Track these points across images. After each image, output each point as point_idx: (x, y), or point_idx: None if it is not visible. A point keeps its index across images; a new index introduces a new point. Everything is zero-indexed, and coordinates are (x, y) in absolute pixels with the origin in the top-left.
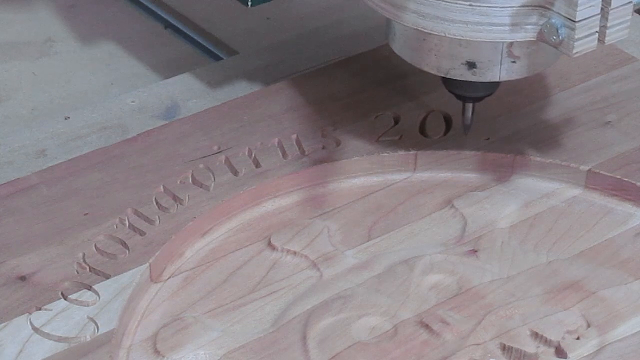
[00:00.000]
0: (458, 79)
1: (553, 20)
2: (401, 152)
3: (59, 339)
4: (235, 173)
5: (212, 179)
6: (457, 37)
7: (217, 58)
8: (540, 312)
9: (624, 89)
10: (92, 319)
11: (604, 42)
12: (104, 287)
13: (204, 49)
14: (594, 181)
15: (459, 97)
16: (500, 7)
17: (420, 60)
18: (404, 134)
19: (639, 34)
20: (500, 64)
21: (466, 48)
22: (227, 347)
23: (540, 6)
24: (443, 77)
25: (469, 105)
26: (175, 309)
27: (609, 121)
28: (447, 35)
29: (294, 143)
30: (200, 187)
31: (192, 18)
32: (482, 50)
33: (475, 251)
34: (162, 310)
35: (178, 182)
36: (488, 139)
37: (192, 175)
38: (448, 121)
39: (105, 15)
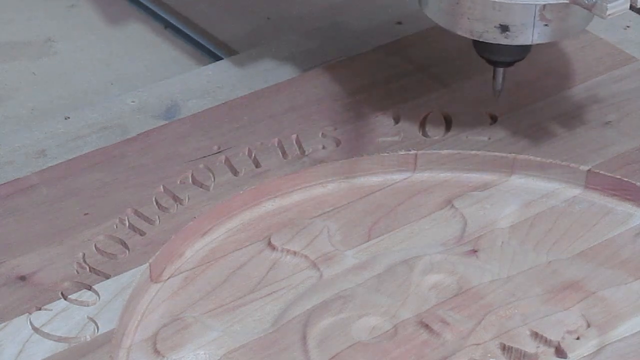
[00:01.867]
0: (491, 42)
1: None
2: (401, 152)
3: (59, 339)
4: (235, 173)
5: (212, 179)
6: (493, 0)
7: (217, 58)
8: (540, 312)
9: (624, 89)
10: (92, 319)
11: (637, 5)
12: (104, 287)
13: (204, 49)
14: (594, 181)
15: (490, 61)
16: None
17: (453, 24)
18: (404, 134)
19: (639, 34)
20: (533, 27)
21: (499, 11)
22: (227, 347)
23: None
24: (474, 41)
25: (500, 70)
26: (175, 309)
27: (609, 121)
28: None
29: (294, 143)
30: (200, 187)
31: (192, 18)
32: (515, 13)
33: (475, 251)
34: (162, 310)
35: (178, 182)
36: (488, 139)
37: (192, 175)
38: (448, 121)
39: (105, 15)
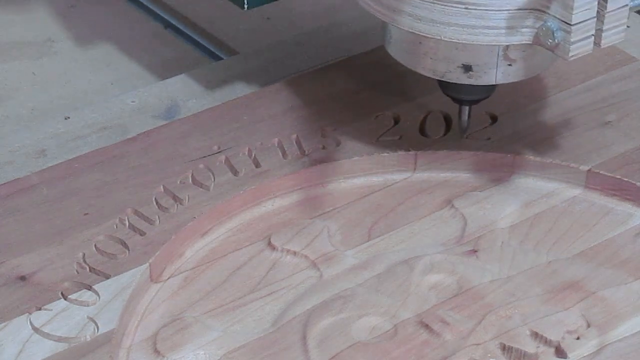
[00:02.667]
0: (454, 82)
1: (549, 24)
2: (401, 152)
3: (59, 339)
4: (235, 173)
5: (212, 179)
6: (453, 40)
7: (217, 58)
8: (540, 312)
9: (624, 89)
10: (92, 319)
11: (600, 45)
12: (104, 287)
13: (204, 49)
14: (594, 181)
15: (455, 100)
16: (496, 10)
17: (416, 64)
18: (404, 134)
19: (639, 34)
20: (497, 67)
21: (462, 51)
22: (227, 347)
23: (536, 9)
24: (439, 80)
25: (465, 108)
26: (175, 309)
27: (609, 121)
28: (442, 38)
29: (294, 143)
30: (200, 187)
31: (192, 18)
32: (478, 53)
33: (475, 251)
34: (162, 310)
35: (178, 182)
36: (488, 139)
37: (192, 175)
38: (448, 121)
39: (105, 15)
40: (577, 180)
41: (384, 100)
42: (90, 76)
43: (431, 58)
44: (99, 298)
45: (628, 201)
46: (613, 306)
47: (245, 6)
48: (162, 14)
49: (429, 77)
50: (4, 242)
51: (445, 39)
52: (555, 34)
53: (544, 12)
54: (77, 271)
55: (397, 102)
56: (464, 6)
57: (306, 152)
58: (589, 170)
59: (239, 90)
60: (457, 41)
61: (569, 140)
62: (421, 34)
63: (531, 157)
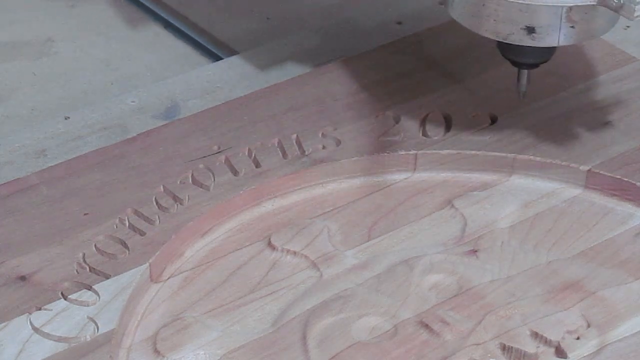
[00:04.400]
0: (517, 44)
1: None
2: (401, 152)
3: (59, 339)
4: (235, 173)
5: (212, 179)
6: (519, 2)
7: (217, 58)
8: (540, 312)
9: (624, 89)
10: (92, 319)
11: None
12: (104, 287)
13: (204, 49)
14: (594, 181)
15: (515, 63)
16: None
17: (479, 26)
18: (404, 134)
19: (638, 34)
20: (560, 29)
21: (526, 13)
22: (227, 347)
23: None
24: (499, 43)
25: (525, 72)
26: (175, 309)
27: (609, 121)
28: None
29: (294, 143)
30: (200, 187)
31: (192, 18)
32: (541, 15)
33: (475, 251)
34: (162, 310)
35: (178, 182)
36: (488, 139)
37: (192, 175)
38: (448, 121)
39: (105, 15)
40: (577, 180)
41: (384, 100)
42: (90, 76)
43: (494, 20)
44: (99, 298)
45: (628, 201)
46: (613, 306)
47: None
48: (162, 14)
49: (429, 77)
50: (4, 242)
51: (511, 1)
52: None
53: None
54: (77, 271)
55: (397, 102)
56: None
57: (306, 152)
58: (589, 170)
59: (239, 90)
60: (523, 2)
61: (569, 140)
62: None
63: (531, 157)
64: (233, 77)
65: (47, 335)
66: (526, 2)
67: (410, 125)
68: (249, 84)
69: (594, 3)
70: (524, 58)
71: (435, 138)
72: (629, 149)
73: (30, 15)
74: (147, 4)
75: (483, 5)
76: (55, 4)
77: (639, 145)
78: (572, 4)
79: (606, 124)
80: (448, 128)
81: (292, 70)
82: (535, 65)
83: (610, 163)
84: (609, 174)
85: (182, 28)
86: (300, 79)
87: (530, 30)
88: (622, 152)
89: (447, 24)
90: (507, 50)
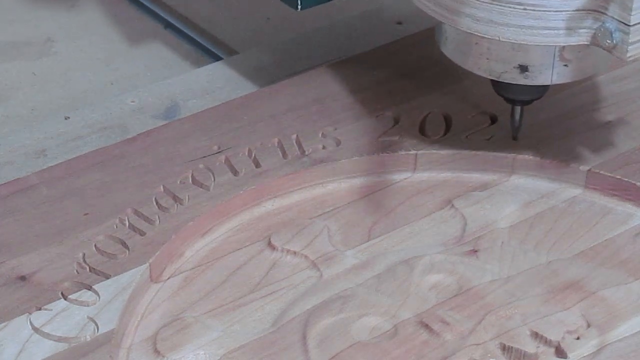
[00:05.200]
0: (510, 82)
1: (607, 25)
2: (401, 152)
3: (59, 339)
4: (235, 173)
5: (212, 179)
6: (511, 41)
7: (217, 58)
8: (540, 312)
9: (624, 89)
10: (92, 319)
11: None
12: (104, 287)
13: (204, 49)
14: (594, 181)
15: (508, 100)
16: (555, 11)
17: (472, 64)
18: (404, 134)
19: None
20: (553, 68)
21: (519, 52)
22: (227, 347)
23: (594, 10)
24: (493, 81)
25: (518, 109)
26: (175, 309)
27: (609, 121)
28: (500, 39)
29: (294, 143)
30: (200, 187)
31: (192, 18)
32: (534, 54)
33: (475, 251)
34: (162, 310)
35: (178, 182)
36: (488, 139)
37: (192, 175)
38: (448, 121)
39: (105, 15)
40: (577, 180)
41: (384, 100)
42: (90, 76)
43: (487, 58)
44: (99, 298)
45: (628, 201)
46: (613, 306)
47: (299, 7)
48: (162, 14)
49: (429, 77)
50: (4, 242)
51: (504, 40)
52: (613, 35)
53: (602, 13)
54: (77, 271)
55: (397, 102)
56: (522, 7)
57: (306, 152)
58: (589, 170)
59: (239, 90)
60: (516, 42)
61: (569, 140)
62: (480, 34)
63: (531, 157)
64: (233, 77)
65: (47, 335)
66: (519, 42)
67: (410, 125)
68: (249, 84)
69: (587, 43)
70: (517, 95)
71: (435, 138)
72: (629, 149)
73: (30, 15)
74: (147, 4)
75: (476, 43)
76: (55, 4)
77: (639, 145)
78: (564, 44)
79: (606, 124)
80: (448, 128)
81: (292, 70)
82: (529, 102)
83: (610, 163)
84: (609, 174)
85: (182, 28)
86: (300, 79)
87: (524, 68)
88: (622, 152)
89: None
90: (500, 87)
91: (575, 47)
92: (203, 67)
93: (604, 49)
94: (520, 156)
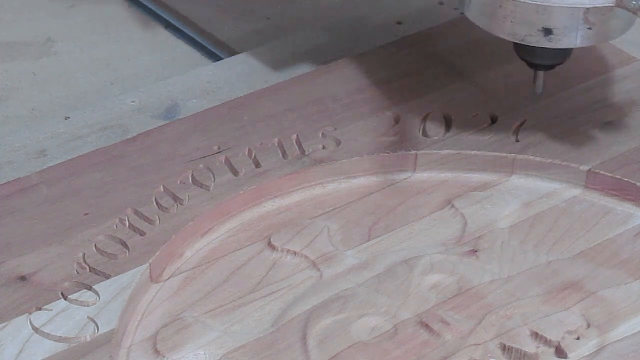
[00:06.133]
0: (534, 45)
1: None
2: (401, 152)
3: (59, 339)
4: (235, 173)
5: (212, 179)
6: (537, 3)
7: (217, 58)
8: (540, 312)
9: (624, 89)
10: (92, 319)
11: None
12: (104, 287)
13: (204, 49)
14: (594, 181)
15: (531, 64)
16: None
17: (495, 27)
18: (404, 134)
19: (639, 34)
20: (577, 31)
21: (543, 14)
22: (227, 347)
23: None
24: (516, 45)
25: (541, 73)
26: (175, 309)
27: (609, 121)
28: (526, 1)
29: (294, 143)
30: (200, 187)
31: (192, 18)
32: (559, 16)
33: (475, 251)
34: (162, 310)
35: (178, 182)
36: (488, 139)
37: (192, 175)
38: (448, 121)
39: (105, 15)
40: (577, 180)
41: (384, 100)
42: (90, 76)
43: (511, 21)
44: (99, 298)
45: (628, 201)
46: (613, 306)
47: None
48: (162, 14)
49: (429, 77)
50: (4, 242)
51: (530, 2)
52: None
53: None
54: (77, 271)
55: (397, 102)
56: None
57: (306, 152)
58: (589, 170)
59: (239, 90)
60: (541, 4)
61: (569, 140)
62: None
63: (531, 157)
64: (233, 77)
65: (47, 335)
66: (543, 4)
67: (410, 125)
68: (249, 84)
69: (612, 4)
70: (540, 59)
71: (435, 138)
72: (629, 149)
73: (30, 15)
74: (147, 4)
75: (500, 6)
76: (55, 4)
77: (639, 145)
78: (589, 5)
79: (606, 124)
80: (448, 128)
81: (292, 70)
82: (551, 67)
83: (610, 163)
84: (609, 174)
85: (182, 28)
86: (300, 79)
87: (548, 31)
88: (622, 152)
89: (447, 23)
90: (523, 51)
91: (599, 9)
92: (203, 67)
93: (628, 10)
94: (520, 156)
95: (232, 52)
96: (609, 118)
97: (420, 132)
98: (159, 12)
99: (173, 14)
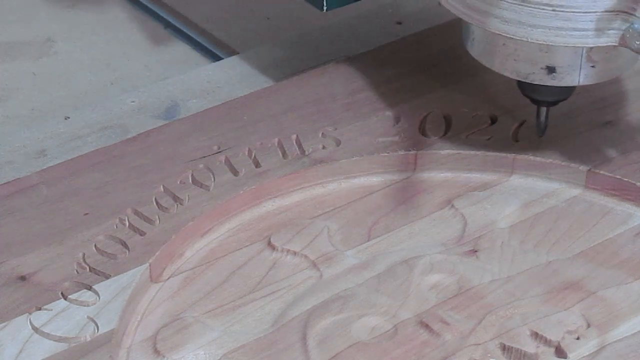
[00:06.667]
0: (537, 83)
1: (636, 26)
2: (401, 152)
3: (59, 339)
4: (235, 173)
5: (212, 179)
6: (540, 42)
7: (217, 58)
8: (540, 312)
9: (624, 89)
10: (92, 319)
11: None
12: (104, 287)
13: (204, 49)
14: (594, 181)
15: (534, 101)
16: (584, 13)
17: (498, 65)
18: (404, 134)
19: None
20: (580, 69)
21: (546, 53)
22: (227, 347)
23: (622, 11)
24: (519, 82)
25: (544, 109)
26: (175, 309)
27: (609, 121)
28: (530, 40)
29: (294, 143)
30: (200, 187)
31: (192, 18)
32: (562, 55)
33: (475, 251)
34: (162, 310)
35: (178, 182)
36: (488, 139)
37: (192, 175)
38: (448, 121)
39: (105, 15)
40: (577, 180)
41: (384, 100)
42: (90, 76)
43: (515, 59)
44: (99, 298)
45: (628, 201)
46: (613, 306)
47: (325, 8)
48: (162, 14)
49: (429, 77)
50: (4, 242)
51: (533, 41)
52: None
53: (630, 14)
54: (77, 271)
55: (397, 102)
56: (551, 8)
57: (306, 152)
58: (589, 170)
59: (239, 90)
60: (544, 43)
61: (569, 140)
62: (508, 35)
63: (531, 157)
64: (233, 77)
65: (47, 335)
66: (547, 43)
67: (410, 125)
68: (249, 84)
69: (615, 44)
70: (543, 96)
71: (435, 138)
72: (629, 149)
73: (30, 15)
74: (147, 4)
75: (503, 44)
76: (55, 4)
77: (639, 145)
78: (592, 45)
79: (606, 124)
80: (448, 128)
81: (292, 70)
82: (555, 103)
83: (610, 163)
84: (609, 174)
85: (182, 28)
86: (300, 79)
87: (551, 70)
88: (622, 152)
89: (447, 24)
90: (527, 88)
91: (603, 48)
92: (203, 67)
93: (632, 50)
94: (520, 156)
95: (232, 52)
96: (609, 118)
97: (420, 132)
98: (159, 12)
99: (173, 14)
